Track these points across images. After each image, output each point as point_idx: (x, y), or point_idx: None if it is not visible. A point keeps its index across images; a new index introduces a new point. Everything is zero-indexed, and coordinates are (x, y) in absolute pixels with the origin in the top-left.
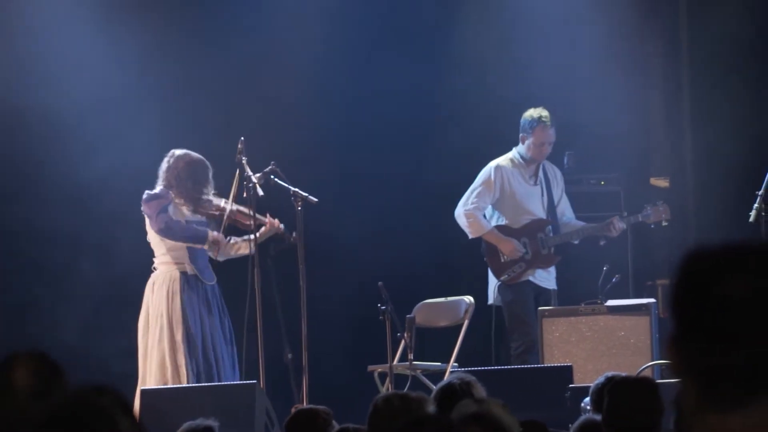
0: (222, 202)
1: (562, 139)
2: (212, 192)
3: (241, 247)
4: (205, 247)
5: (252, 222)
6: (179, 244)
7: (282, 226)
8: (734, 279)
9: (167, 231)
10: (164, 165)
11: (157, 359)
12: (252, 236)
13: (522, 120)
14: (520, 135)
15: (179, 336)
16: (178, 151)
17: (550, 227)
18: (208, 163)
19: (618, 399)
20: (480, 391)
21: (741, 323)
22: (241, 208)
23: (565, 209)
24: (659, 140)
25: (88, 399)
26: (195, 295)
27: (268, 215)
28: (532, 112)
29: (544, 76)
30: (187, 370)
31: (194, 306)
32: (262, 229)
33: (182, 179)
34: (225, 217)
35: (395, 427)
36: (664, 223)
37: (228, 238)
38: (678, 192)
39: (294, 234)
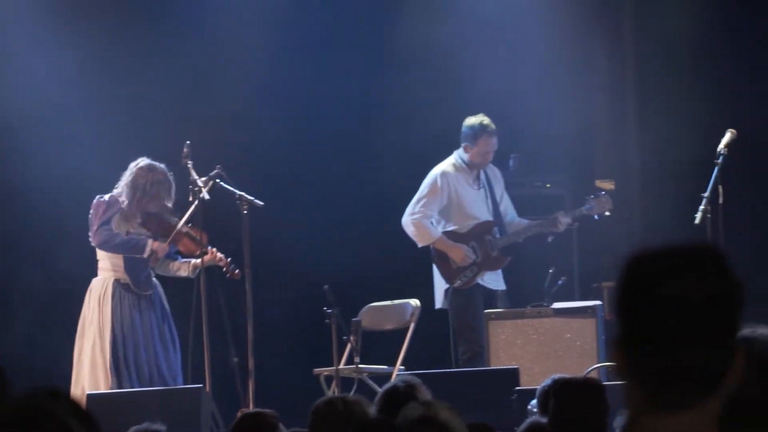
0: (174, 221)
1: (507, 142)
2: (170, 207)
3: (181, 268)
4: (145, 256)
5: (197, 249)
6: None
7: (224, 258)
8: (678, 281)
9: (105, 245)
10: (127, 172)
11: (88, 364)
12: (193, 261)
13: (464, 128)
14: (463, 143)
15: (107, 342)
16: (143, 162)
17: (496, 229)
18: (171, 178)
19: (564, 401)
20: (424, 394)
21: (684, 325)
22: (191, 233)
23: (507, 208)
24: (604, 142)
25: (41, 404)
26: (126, 302)
27: (213, 249)
28: (474, 121)
29: (489, 78)
30: (115, 375)
31: (125, 312)
32: (205, 257)
33: (138, 191)
34: (171, 236)
35: (336, 430)
36: (607, 213)
37: (176, 257)
38: (623, 194)
39: (237, 271)
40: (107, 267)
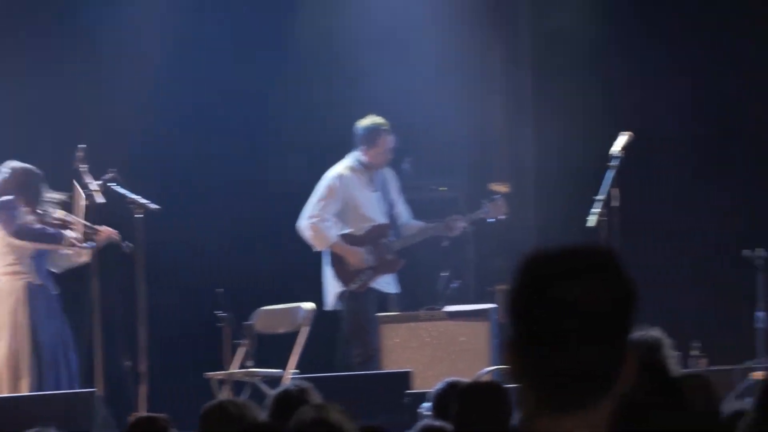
0: (59, 212)
1: (401, 145)
2: (48, 201)
3: (82, 254)
4: (61, 247)
5: (88, 231)
6: (26, 254)
7: (117, 234)
8: (571, 283)
9: (23, 233)
10: (0, 177)
11: (7, 368)
12: (88, 244)
13: (361, 129)
14: (360, 146)
15: (26, 345)
16: (12, 163)
17: (392, 232)
18: (41, 173)
19: (467, 404)
20: (316, 397)
21: (577, 327)
22: (79, 219)
23: (402, 211)
24: (500, 144)
25: None
26: (41, 304)
27: (103, 226)
28: (368, 122)
29: (384, 81)
30: (35, 377)
31: (41, 315)
32: (100, 236)
33: (22, 190)
34: (65, 227)
35: None
36: (502, 217)
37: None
38: (518, 196)
39: (126, 243)
40: (12, 271)
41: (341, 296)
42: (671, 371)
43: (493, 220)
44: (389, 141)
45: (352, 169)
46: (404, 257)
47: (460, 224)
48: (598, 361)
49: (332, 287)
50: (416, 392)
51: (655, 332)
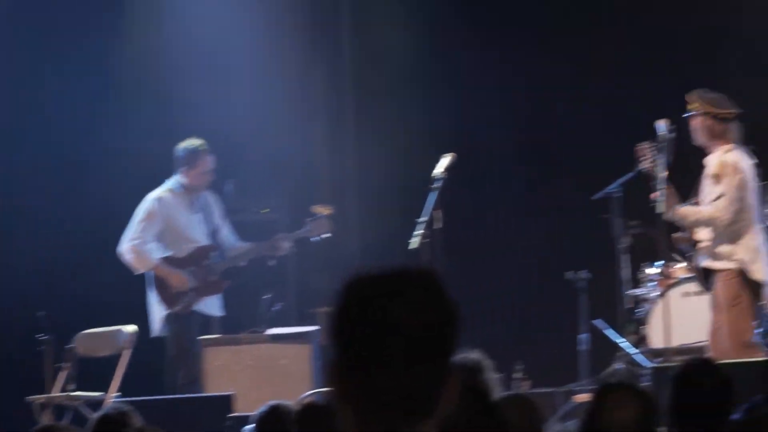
0: None
1: (224, 168)
2: None
3: None
4: None
5: None
6: None
7: None
8: (392, 304)
9: None
10: None
11: None
12: None
13: (180, 151)
14: (180, 168)
15: None
16: None
17: (215, 253)
18: None
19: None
20: (137, 421)
21: (398, 348)
22: None
23: (227, 233)
24: (323, 166)
25: None
26: None
27: None
28: (187, 144)
29: (206, 105)
30: None
31: None
32: None
33: None
34: None
35: None
36: (325, 236)
37: None
38: (341, 218)
39: None
40: None
41: (166, 319)
42: (492, 394)
43: (317, 238)
44: (209, 162)
45: (172, 191)
46: (229, 279)
47: (286, 243)
48: (421, 382)
49: (157, 311)
50: (238, 415)
51: (476, 355)
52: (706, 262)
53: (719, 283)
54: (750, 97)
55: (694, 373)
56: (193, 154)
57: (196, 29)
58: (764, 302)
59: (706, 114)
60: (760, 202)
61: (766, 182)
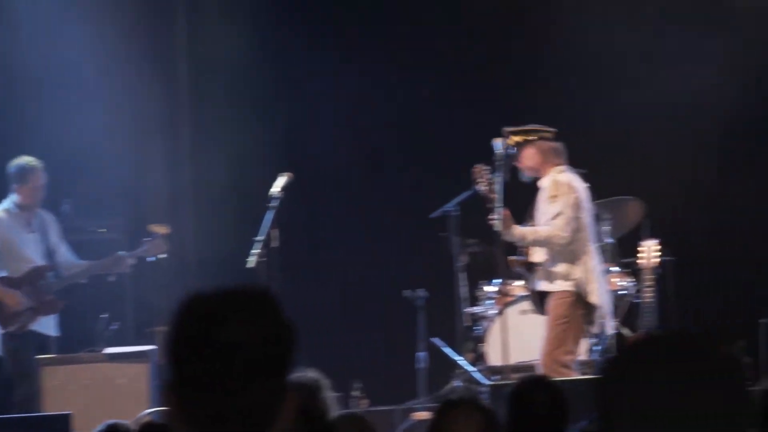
0: None
1: (60, 188)
2: None
3: None
4: None
5: None
6: None
7: None
8: (227, 324)
9: None
10: None
11: None
12: None
13: (13, 169)
14: (14, 185)
15: None
16: None
17: (50, 273)
18: None
19: None
20: None
21: (233, 368)
22: None
23: (65, 252)
24: (159, 185)
25: None
26: None
27: None
28: (18, 161)
29: (44, 124)
30: None
31: None
32: None
33: None
34: None
35: None
36: (162, 256)
37: None
38: (177, 237)
39: None
40: None
41: (3, 339)
42: (329, 413)
43: (153, 258)
44: (40, 177)
45: (8, 211)
46: (66, 298)
47: (128, 260)
48: (258, 401)
49: None
50: None
51: (313, 373)
52: (543, 285)
53: (552, 302)
54: (583, 117)
55: (526, 390)
56: (24, 171)
57: (33, 47)
58: (596, 324)
59: (529, 142)
60: (594, 221)
61: (599, 201)
